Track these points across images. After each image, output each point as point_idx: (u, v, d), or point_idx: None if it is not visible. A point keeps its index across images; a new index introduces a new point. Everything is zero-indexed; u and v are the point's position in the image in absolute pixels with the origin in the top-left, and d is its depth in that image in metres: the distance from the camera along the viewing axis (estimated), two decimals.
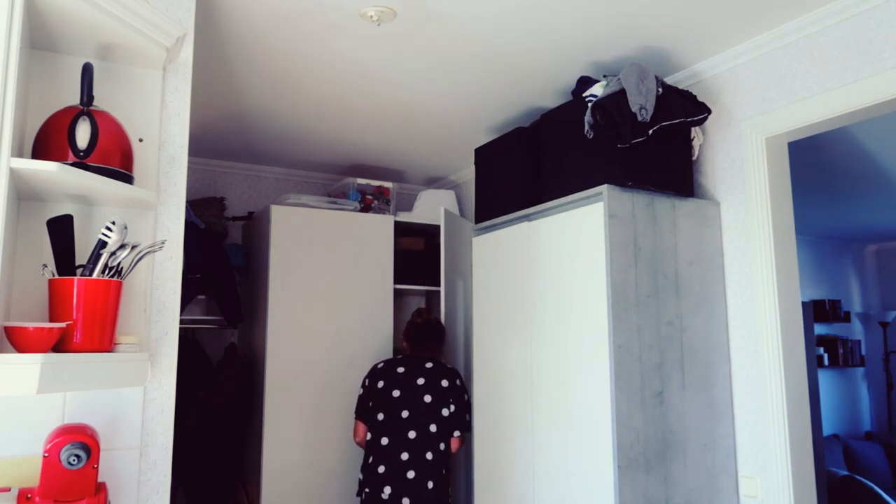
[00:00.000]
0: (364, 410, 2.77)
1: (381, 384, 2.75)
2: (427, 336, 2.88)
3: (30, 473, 1.41)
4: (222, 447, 3.18)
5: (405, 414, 2.67)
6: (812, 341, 5.05)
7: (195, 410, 3.09)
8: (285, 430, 3.00)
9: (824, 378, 5.93)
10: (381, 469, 2.61)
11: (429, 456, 2.63)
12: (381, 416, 2.69)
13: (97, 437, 1.36)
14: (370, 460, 2.66)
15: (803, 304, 2.38)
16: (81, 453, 1.28)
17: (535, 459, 2.37)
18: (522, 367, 2.48)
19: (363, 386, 2.82)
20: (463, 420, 2.74)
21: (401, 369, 2.76)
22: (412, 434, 2.64)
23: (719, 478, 2.19)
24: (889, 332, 6.25)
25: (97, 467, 1.32)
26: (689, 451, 2.13)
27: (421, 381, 2.72)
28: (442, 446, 2.67)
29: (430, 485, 2.60)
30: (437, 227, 3.58)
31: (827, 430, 5.79)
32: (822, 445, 4.80)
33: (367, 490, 2.63)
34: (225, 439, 3.18)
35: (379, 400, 2.72)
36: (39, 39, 1.47)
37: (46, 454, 1.28)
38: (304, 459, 3.02)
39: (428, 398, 2.69)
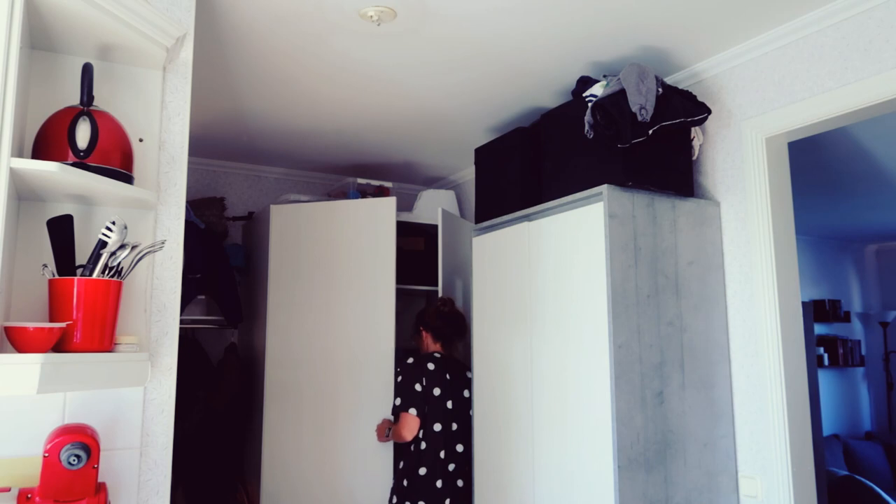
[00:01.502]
0: (420, 408, 2.65)
1: (437, 391, 2.67)
2: (457, 329, 2.84)
3: (30, 473, 1.41)
4: (222, 447, 3.18)
5: (454, 427, 2.70)
6: (812, 341, 5.05)
7: (195, 410, 3.09)
8: (285, 430, 2.99)
9: (824, 378, 5.93)
10: (440, 484, 2.61)
11: (467, 468, 2.73)
12: (437, 427, 2.65)
13: (97, 437, 1.36)
14: (422, 472, 2.60)
15: (803, 304, 2.38)
16: (81, 453, 1.28)
17: (535, 459, 2.37)
18: (522, 366, 2.48)
19: (419, 382, 2.68)
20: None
21: (448, 376, 2.73)
22: (460, 448, 2.70)
23: (719, 478, 2.19)
24: (889, 332, 6.25)
25: (97, 467, 1.32)
26: (689, 450, 2.13)
27: (466, 393, 2.77)
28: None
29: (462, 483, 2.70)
30: (437, 227, 3.58)
31: (827, 430, 5.79)
32: (822, 445, 4.80)
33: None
34: (225, 439, 3.18)
35: (434, 408, 2.66)
36: (39, 39, 1.47)
37: (46, 454, 1.28)
38: (304, 459, 3.02)
39: (470, 411, 2.74)
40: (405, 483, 2.63)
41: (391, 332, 3.28)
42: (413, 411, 2.64)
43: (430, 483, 2.58)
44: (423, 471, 2.60)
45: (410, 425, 2.63)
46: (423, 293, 3.95)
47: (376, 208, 3.21)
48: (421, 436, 2.64)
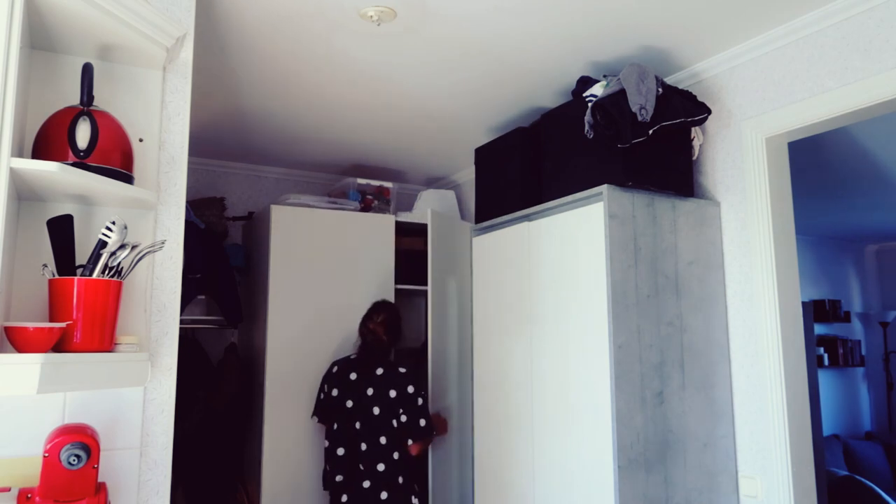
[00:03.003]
0: (323, 415, 2.81)
1: (335, 392, 2.74)
2: (370, 337, 2.81)
3: (30, 473, 1.41)
4: (222, 447, 3.18)
5: (357, 425, 2.67)
6: (812, 341, 5.05)
7: (195, 410, 3.09)
8: (285, 430, 2.99)
9: (824, 378, 5.93)
10: (339, 479, 2.66)
11: (380, 467, 2.63)
12: (335, 426, 2.70)
13: (97, 437, 1.36)
14: (327, 467, 2.69)
15: (803, 304, 2.38)
16: (81, 453, 1.28)
17: (535, 459, 2.37)
18: (523, 366, 2.48)
19: (322, 390, 2.83)
20: (416, 427, 2.66)
21: (353, 376, 2.74)
22: (364, 446, 2.64)
23: (719, 478, 2.19)
24: (889, 332, 6.25)
25: (97, 467, 1.32)
26: (689, 451, 2.13)
27: (370, 391, 2.69)
28: (396, 455, 2.65)
29: (384, 495, 2.60)
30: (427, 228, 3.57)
31: (827, 430, 5.79)
32: (822, 445, 4.80)
33: (331, 495, 2.70)
34: (225, 439, 3.18)
35: (334, 408, 2.73)
36: (39, 39, 1.47)
37: (46, 454, 1.28)
38: (304, 459, 3.02)
39: (377, 410, 2.66)
40: (323, 475, 2.77)
41: None
42: (314, 419, 2.90)
43: (331, 478, 2.67)
44: (327, 466, 2.70)
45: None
46: (422, 293, 3.95)
47: (377, 220, 3.30)
48: (325, 435, 2.77)
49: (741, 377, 2.24)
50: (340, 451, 2.66)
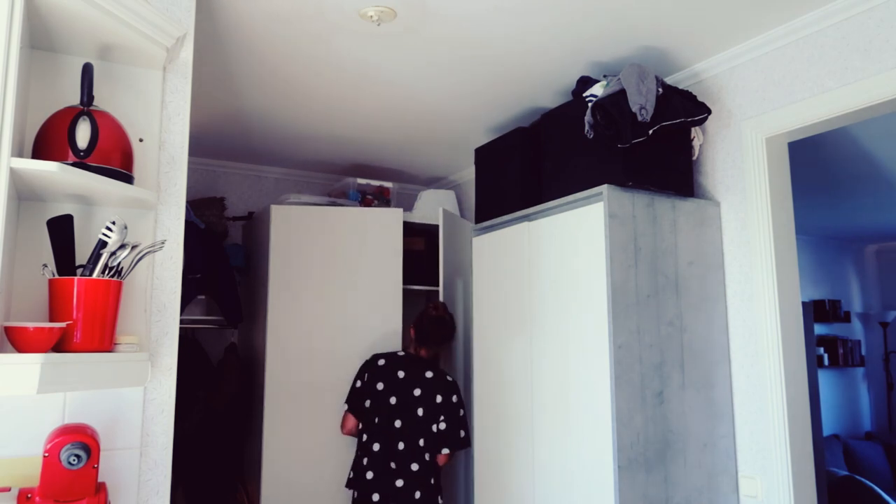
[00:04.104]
0: (359, 406, 2.76)
1: (380, 386, 2.74)
2: (438, 333, 2.84)
3: (30, 473, 1.41)
4: (222, 447, 3.18)
5: (398, 423, 2.68)
6: (812, 341, 5.05)
7: (195, 410, 3.09)
8: (285, 430, 2.99)
9: (824, 378, 5.93)
10: (370, 475, 2.65)
11: (414, 467, 2.64)
12: (376, 420, 2.70)
13: (97, 437, 1.36)
14: (364, 462, 2.68)
15: (803, 304, 2.38)
16: (81, 453, 1.28)
17: (535, 459, 2.37)
18: (523, 366, 2.48)
19: (361, 378, 2.80)
20: (455, 437, 2.70)
21: (401, 374, 2.74)
22: (401, 445, 2.66)
23: (719, 478, 2.19)
24: (889, 332, 6.25)
25: (97, 467, 1.32)
26: (689, 451, 2.13)
27: (417, 391, 2.71)
28: (427, 457, 2.67)
29: (418, 495, 2.63)
30: (437, 227, 3.57)
31: (827, 430, 5.79)
32: (822, 445, 4.80)
33: (355, 493, 2.67)
34: (225, 439, 3.18)
35: (375, 402, 2.72)
36: (39, 39, 1.47)
37: (46, 454, 1.28)
38: (304, 459, 3.02)
39: (420, 412, 2.69)
40: (350, 474, 2.75)
41: (398, 332, 3.27)
42: (345, 406, 2.85)
43: (363, 473, 2.66)
44: (364, 460, 2.68)
45: (344, 420, 2.82)
46: (422, 293, 3.95)
47: (382, 216, 3.25)
48: (362, 428, 2.75)
49: (741, 377, 2.24)
50: (376, 447, 2.67)
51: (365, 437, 2.71)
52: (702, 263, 2.27)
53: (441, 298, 3.08)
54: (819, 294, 6.03)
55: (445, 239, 3.15)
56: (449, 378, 2.79)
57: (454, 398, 2.74)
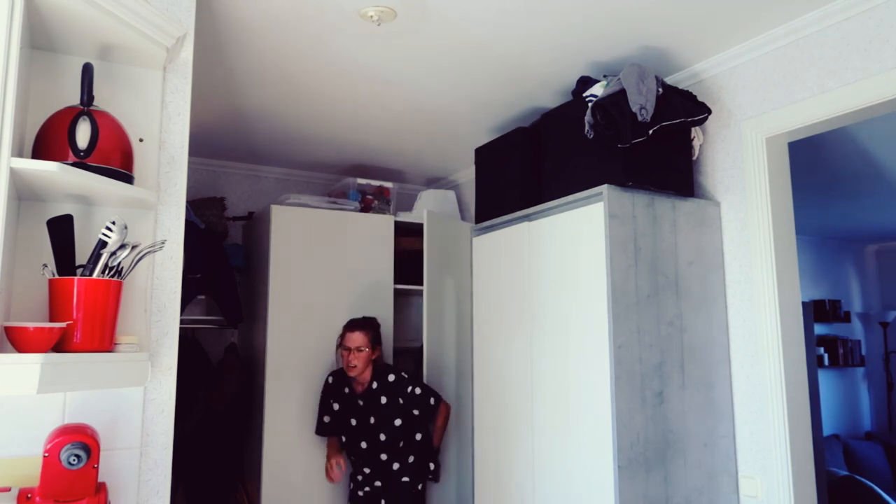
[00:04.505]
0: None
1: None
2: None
3: (30, 473, 1.41)
4: (222, 447, 3.18)
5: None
6: (812, 341, 5.05)
7: (195, 410, 3.09)
8: (285, 430, 2.99)
9: (824, 378, 5.93)
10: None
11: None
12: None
13: (97, 437, 1.36)
14: (353, 459, 2.87)
15: (803, 304, 2.38)
16: (81, 453, 1.28)
17: (535, 459, 2.37)
18: (523, 366, 2.48)
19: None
20: (428, 410, 2.84)
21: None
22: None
23: (719, 478, 2.19)
24: (889, 332, 6.25)
25: (97, 467, 1.32)
26: (689, 451, 2.13)
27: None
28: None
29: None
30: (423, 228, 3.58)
31: (827, 430, 5.79)
32: (822, 445, 4.80)
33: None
34: (225, 439, 3.18)
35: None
36: (39, 39, 1.47)
37: (46, 454, 1.28)
38: (304, 459, 3.02)
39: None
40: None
41: (390, 332, 3.29)
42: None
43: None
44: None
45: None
46: (420, 293, 3.95)
47: (376, 221, 3.34)
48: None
49: (741, 377, 2.24)
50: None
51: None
52: (702, 263, 2.27)
53: (425, 299, 3.07)
54: (819, 294, 6.02)
55: (432, 239, 3.17)
56: (409, 390, 2.82)
57: (414, 393, 2.82)
